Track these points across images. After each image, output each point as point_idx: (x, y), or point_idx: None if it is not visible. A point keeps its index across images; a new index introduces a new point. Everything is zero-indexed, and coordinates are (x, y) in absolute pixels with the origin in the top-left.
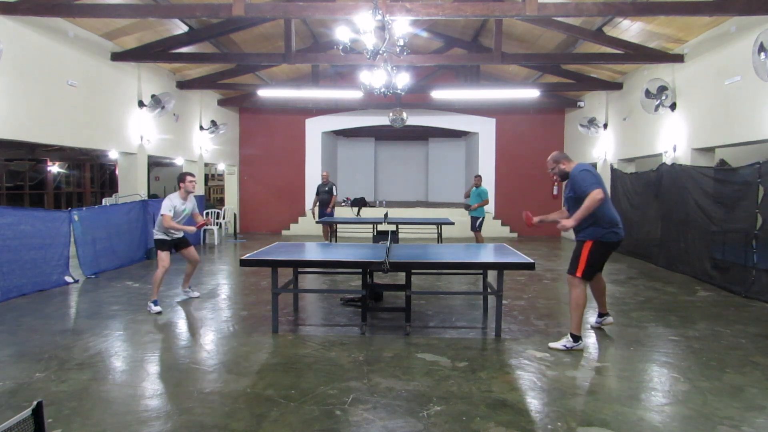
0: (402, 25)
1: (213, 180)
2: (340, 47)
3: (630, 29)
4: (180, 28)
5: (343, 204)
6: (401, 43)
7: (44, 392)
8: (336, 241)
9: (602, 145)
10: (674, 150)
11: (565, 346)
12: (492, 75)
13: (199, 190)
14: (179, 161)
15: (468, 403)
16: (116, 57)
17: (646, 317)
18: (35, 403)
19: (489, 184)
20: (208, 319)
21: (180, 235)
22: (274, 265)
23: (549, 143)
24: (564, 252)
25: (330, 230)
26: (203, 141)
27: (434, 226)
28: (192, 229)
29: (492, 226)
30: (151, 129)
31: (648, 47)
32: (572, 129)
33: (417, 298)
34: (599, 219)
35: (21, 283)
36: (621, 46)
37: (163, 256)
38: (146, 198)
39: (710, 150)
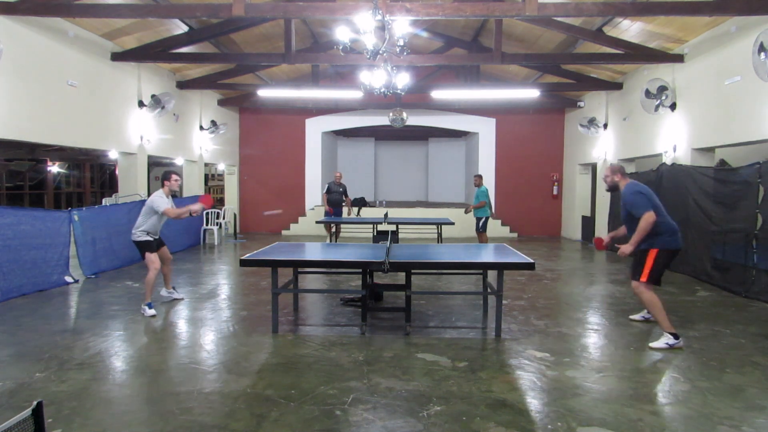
0: (402, 25)
1: (213, 180)
2: (340, 47)
3: (630, 29)
4: (180, 28)
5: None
6: (401, 43)
7: (44, 392)
8: (337, 241)
9: (602, 145)
10: (674, 150)
11: (667, 344)
12: (492, 75)
13: (199, 190)
14: (179, 161)
15: (468, 403)
16: (116, 57)
17: None
18: (35, 403)
19: (489, 184)
20: (208, 319)
21: (158, 235)
22: (274, 265)
23: (549, 143)
24: (564, 252)
25: (335, 229)
26: (203, 141)
27: (434, 226)
28: (197, 207)
29: (492, 226)
30: (151, 129)
31: (648, 47)
32: (572, 129)
33: (417, 298)
34: (661, 230)
35: (21, 283)
36: (621, 46)
37: (153, 258)
38: (146, 198)
39: (710, 150)
